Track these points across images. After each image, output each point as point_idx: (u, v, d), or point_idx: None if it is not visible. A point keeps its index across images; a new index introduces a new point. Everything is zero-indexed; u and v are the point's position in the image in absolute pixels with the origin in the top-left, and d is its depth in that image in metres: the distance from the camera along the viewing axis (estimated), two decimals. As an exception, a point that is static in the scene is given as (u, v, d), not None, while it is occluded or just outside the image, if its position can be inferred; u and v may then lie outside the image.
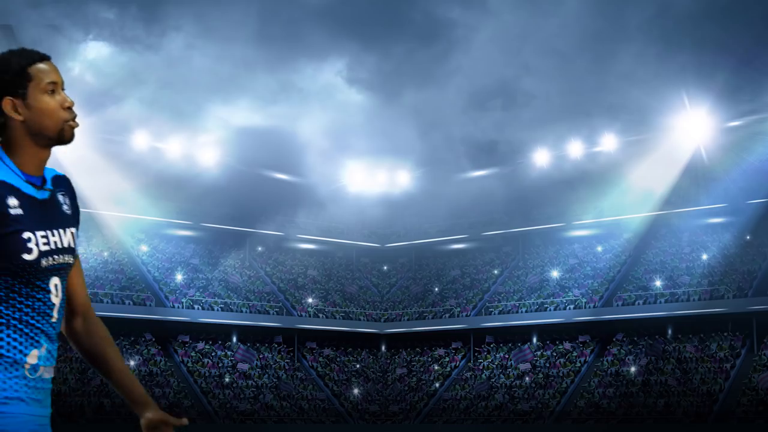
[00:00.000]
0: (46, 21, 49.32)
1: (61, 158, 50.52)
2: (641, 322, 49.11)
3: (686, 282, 49.40)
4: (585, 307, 50.56)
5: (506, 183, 56.67)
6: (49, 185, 2.88)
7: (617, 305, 49.98)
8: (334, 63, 58.68)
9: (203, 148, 54.98)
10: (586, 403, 45.38)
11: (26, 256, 2.73)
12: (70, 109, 2.84)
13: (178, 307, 50.33)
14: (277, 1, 55.43)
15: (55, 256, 2.82)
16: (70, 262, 2.90)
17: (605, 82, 53.73)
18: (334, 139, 57.59)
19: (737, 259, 49.52)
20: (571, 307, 50.84)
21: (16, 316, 2.78)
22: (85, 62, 51.71)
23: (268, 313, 53.25)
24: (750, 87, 49.17)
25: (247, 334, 52.60)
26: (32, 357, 2.80)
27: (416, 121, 58.45)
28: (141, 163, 52.50)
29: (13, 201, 2.73)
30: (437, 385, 51.75)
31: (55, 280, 2.83)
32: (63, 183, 2.97)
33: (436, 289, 58.61)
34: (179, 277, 53.07)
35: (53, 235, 2.82)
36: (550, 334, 51.64)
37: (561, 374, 48.64)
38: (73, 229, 2.93)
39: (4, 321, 2.78)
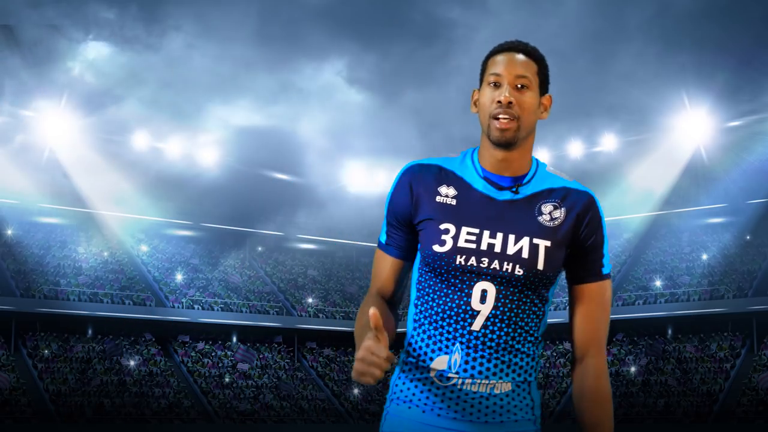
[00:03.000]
0: (46, 21, 49.30)
1: (62, 158, 50.64)
2: (641, 322, 49.11)
3: (686, 282, 49.40)
4: (585, 307, 50.49)
5: (506, 183, 56.63)
6: (528, 191, 2.59)
7: (617, 305, 49.96)
8: (334, 63, 58.64)
9: (203, 148, 54.99)
10: (586, 403, 45.34)
11: (437, 247, 2.53)
12: (500, 104, 2.56)
13: (178, 307, 50.33)
14: (277, 1, 55.41)
15: (485, 259, 2.51)
16: (518, 273, 2.53)
17: (605, 82, 53.71)
18: (334, 139, 57.60)
19: (737, 259, 49.52)
20: (571, 307, 50.77)
21: (427, 314, 2.61)
22: (85, 62, 51.71)
23: (268, 313, 53.25)
24: (750, 87, 49.15)
25: (247, 334, 52.60)
26: (438, 363, 2.58)
27: (416, 121, 58.39)
28: (141, 163, 52.52)
29: (447, 190, 2.58)
30: (437, 385, 51.71)
31: (483, 285, 2.53)
32: (567, 196, 2.60)
33: (436, 289, 58.60)
34: (179, 277, 53.07)
35: (492, 237, 2.52)
36: (550, 334, 51.62)
37: (561, 374, 48.64)
38: (542, 242, 2.55)
39: (417, 318, 2.66)
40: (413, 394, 2.61)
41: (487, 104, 2.59)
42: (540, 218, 2.58)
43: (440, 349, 2.58)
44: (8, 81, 48.01)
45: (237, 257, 57.91)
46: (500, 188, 2.58)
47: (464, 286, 2.54)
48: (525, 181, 2.61)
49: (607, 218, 2.74)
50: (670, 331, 48.71)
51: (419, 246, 2.61)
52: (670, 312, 47.84)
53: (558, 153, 55.51)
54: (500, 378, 2.56)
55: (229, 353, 50.96)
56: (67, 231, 52.69)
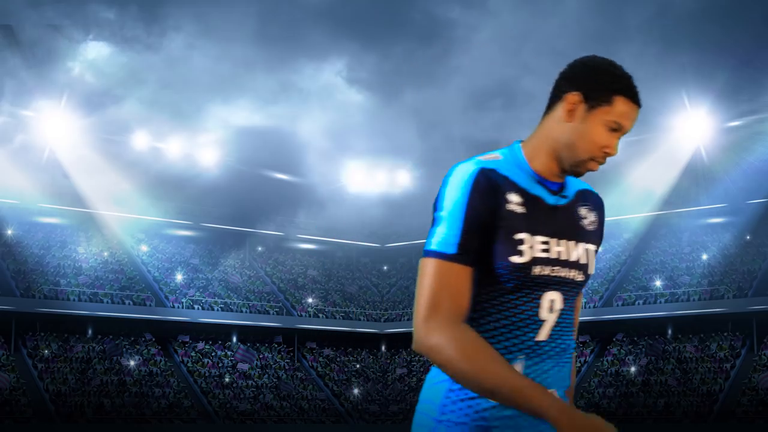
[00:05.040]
0: (46, 21, 49.32)
1: (62, 158, 50.64)
2: (641, 322, 49.11)
3: (686, 282, 49.39)
4: (585, 307, 50.53)
5: (506, 183, 56.61)
6: (569, 194, 2.58)
7: (617, 305, 49.98)
8: (334, 63, 58.67)
9: (203, 148, 54.99)
10: (586, 403, 45.37)
11: (515, 259, 2.41)
12: (605, 154, 2.51)
13: (178, 307, 50.34)
14: (277, 1, 55.41)
15: (555, 267, 2.46)
16: (578, 279, 2.52)
17: (605, 82, 53.65)
18: (334, 139, 57.60)
19: (737, 259, 49.52)
20: (571, 307, 50.83)
21: (489, 327, 2.45)
22: (85, 62, 51.72)
23: (268, 313, 53.25)
24: (750, 87, 49.13)
25: (247, 334, 52.60)
26: None
27: (416, 121, 58.37)
28: (141, 163, 52.52)
29: (513, 197, 2.44)
30: (437, 385, 51.72)
31: (551, 295, 2.47)
32: (591, 198, 2.66)
33: (436, 289, 58.57)
34: (179, 277, 53.07)
35: (558, 245, 2.48)
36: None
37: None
38: (590, 247, 2.56)
39: (482, 329, 2.45)
40: (466, 415, 2.43)
41: (597, 144, 2.49)
42: (582, 222, 2.59)
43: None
44: (8, 81, 48.04)
45: (237, 257, 57.91)
46: (553, 193, 2.55)
47: (534, 296, 2.45)
48: (565, 186, 2.61)
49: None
50: (670, 331, 48.70)
51: (488, 258, 2.44)
52: (670, 312, 47.84)
53: (558, 153, 55.49)
54: (553, 388, 2.50)
55: (229, 353, 50.96)
56: (67, 231, 52.69)
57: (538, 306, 2.46)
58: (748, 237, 50.90)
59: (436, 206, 2.49)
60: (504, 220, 2.41)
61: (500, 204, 2.42)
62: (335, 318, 55.67)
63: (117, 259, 52.41)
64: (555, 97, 2.53)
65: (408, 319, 56.81)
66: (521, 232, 2.42)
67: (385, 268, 63.06)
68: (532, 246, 2.43)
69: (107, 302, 48.14)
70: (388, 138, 58.84)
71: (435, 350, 2.32)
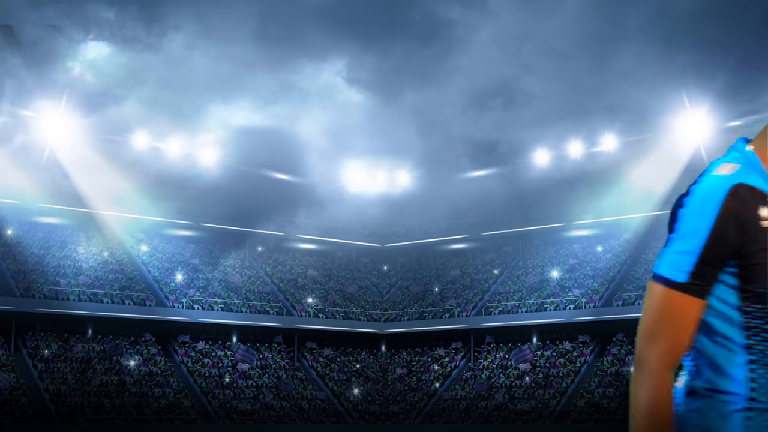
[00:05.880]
0: (46, 21, 49.29)
1: (62, 158, 50.63)
2: (641, 322, 49.09)
3: (686, 282, 49.37)
4: (585, 307, 50.56)
5: (506, 183, 56.66)
6: None
7: (617, 305, 49.98)
8: (334, 63, 58.63)
9: (203, 148, 55.00)
10: (586, 403, 45.38)
11: None
12: None
13: (178, 307, 50.35)
14: (277, 1, 55.38)
15: None
16: None
17: (605, 82, 53.67)
18: (334, 139, 57.57)
19: (737, 259, 49.51)
20: (571, 307, 50.86)
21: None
22: (85, 62, 51.69)
23: (268, 313, 53.25)
24: (750, 87, 49.09)
25: (247, 334, 52.61)
26: None
27: (416, 121, 58.37)
28: (141, 163, 52.51)
29: (765, 212, 2.25)
30: (437, 385, 51.74)
31: None
32: None
33: (436, 289, 58.60)
34: (179, 277, 53.08)
35: None
36: (550, 334, 51.64)
37: (561, 374, 48.63)
38: None
39: (756, 357, 2.30)
40: None
41: None
42: None
43: None
44: (8, 81, 48.01)
45: (237, 257, 57.92)
46: None
47: None
48: None
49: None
50: (670, 331, 48.70)
51: (750, 283, 2.27)
52: (670, 312, 47.81)
53: (558, 153, 55.52)
54: None
55: (229, 353, 50.96)
56: (67, 231, 52.69)
57: None
58: (748, 237, 50.88)
59: (670, 226, 2.30)
60: (763, 239, 2.23)
61: (755, 224, 2.23)
62: (335, 318, 55.68)
63: (117, 259, 52.42)
64: None
65: (408, 319, 56.82)
66: None
67: (385, 268, 63.05)
68: None
69: (107, 302, 48.15)
70: (388, 138, 58.81)
71: (635, 385, 2.41)
